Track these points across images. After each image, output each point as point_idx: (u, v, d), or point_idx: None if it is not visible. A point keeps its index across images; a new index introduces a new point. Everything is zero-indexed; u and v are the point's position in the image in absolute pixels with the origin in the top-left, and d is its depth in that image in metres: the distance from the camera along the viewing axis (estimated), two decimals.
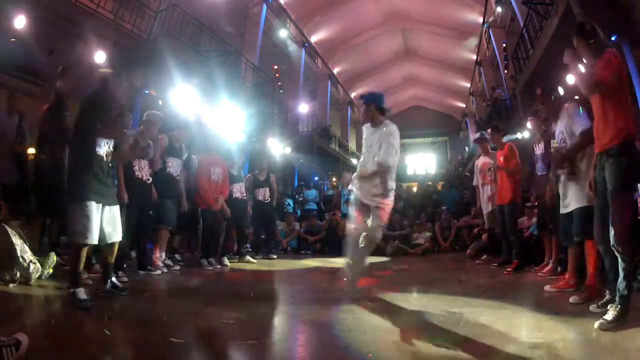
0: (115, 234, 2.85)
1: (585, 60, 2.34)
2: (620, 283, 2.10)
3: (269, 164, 6.78)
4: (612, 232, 2.11)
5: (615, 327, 1.99)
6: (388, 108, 3.20)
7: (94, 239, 2.63)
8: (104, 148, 2.80)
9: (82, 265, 2.67)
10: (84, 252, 2.66)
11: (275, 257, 6.38)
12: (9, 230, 3.07)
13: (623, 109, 2.17)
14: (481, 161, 5.35)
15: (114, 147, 2.92)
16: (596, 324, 2.03)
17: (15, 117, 4.10)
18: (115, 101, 2.90)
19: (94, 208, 2.63)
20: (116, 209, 2.87)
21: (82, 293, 2.53)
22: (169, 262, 4.57)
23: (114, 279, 2.97)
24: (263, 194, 6.32)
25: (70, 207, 2.64)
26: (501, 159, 4.73)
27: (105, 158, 2.80)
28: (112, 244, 2.86)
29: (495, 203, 4.90)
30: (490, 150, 5.25)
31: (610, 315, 2.04)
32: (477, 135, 5.77)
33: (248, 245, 6.29)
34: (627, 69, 2.27)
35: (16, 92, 4.28)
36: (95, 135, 2.73)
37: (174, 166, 4.49)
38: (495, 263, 4.99)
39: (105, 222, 2.77)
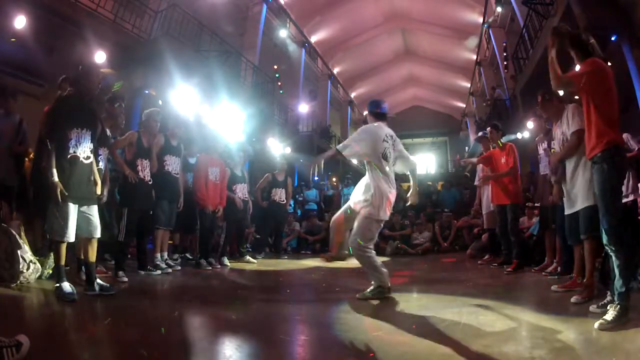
0: (94, 231, 2.90)
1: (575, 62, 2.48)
2: (617, 281, 2.13)
3: (289, 165, 6.78)
4: (602, 233, 2.21)
5: (615, 327, 1.99)
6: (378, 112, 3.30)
7: (70, 237, 2.76)
8: (81, 148, 2.81)
9: (63, 260, 2.80)
10: (63, 249, 2.79)
11: (286, 257, 6.40)
12: (9, 230, 3.08)
13: (606, 117, 2.26)
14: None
15: (101, 139, 2.96)
16: (596, 324, 2.03)
17: (15, 118, 4.09)
18: (88, 93, 2.91)
19: (71, 209, 2.75)
20: (94, 207, 2.94)
21: (67, 287, 2.65)
22: (170, 261, 4.55)
23: (98, 280, 2.95)
24: (279, 195, 6.31)
25: (50, 207, 2.76)
26: (502, 160, 4.71)
27: (82, 158, 2.82)
28: (91, 241, 2.91)
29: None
30: (492, 149, 5.24)
31: (610, 315, 2.05)
32: (480, 133, 5.75)
33: (248, 245, 6.30)
34: (612, 78, 2.33)
35: (15, 93, 4.25)
36: (66, 137, 2.75)
37: (172, 164, 4.43)
38: (495, 263, 5.00)
39: (83, 219, 2.85)
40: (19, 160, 4.13)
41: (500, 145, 4.84)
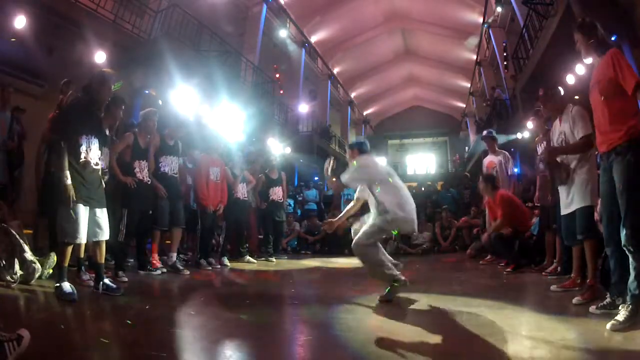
0: (102, 233, 2.95)
1: (586, 56, 2.36)
2: (632, 283, 2.08)
3: (273, 160, 6.69)
4: (623, 232, 2.06)
5: (627, 327, 1.97)
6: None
7: (81, 239, 2.79)
8: (91, 154, 2.86)
9: (67, 262, 2.82)
10: (70, 250, 2.81)
11: (286, 257, 6.39)
12: (9, 230, 3.08)
13: (630, 106, 2.11)
14: (487, 160, 5.32)
15: (103, 143, 2.98)
16: (608, 325, 2.01)
17: (7, 114, 4.05)
18: (98, 101, 2.95)
19: (82, 210, 2.78)
20: (104, 210, 2.98)
21: (67, 287, 2.67)
22: (179, 264, 4.41)
23: (106, 280, 2.97)
24: (277, 194, 6.23)
25: (60, 209, 2.77)
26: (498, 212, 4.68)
27: (91, 162, 2.86)
28: (99, 243, 2.96)
29: None
30: (496, 149, 5.22)
31: (622, 315, 2.03)
32: (484, 132, 5.68)
33: (247, 245, 6.28)
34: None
35: (9, 88, 4.21)
36: (77, 141, 2.79)
37: (169, 165, 4.38)
38: (501, 263, 4.91)
39: (92, 222, 2.88)
40: (10, 157, 4.09)
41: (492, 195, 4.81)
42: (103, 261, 3.03)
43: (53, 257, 3.29)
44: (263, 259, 5.86)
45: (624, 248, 2.09)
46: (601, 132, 2.25)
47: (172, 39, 7.89)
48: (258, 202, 6.21)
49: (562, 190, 2.97)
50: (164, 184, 4.27)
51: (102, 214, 2.96)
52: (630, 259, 2.09)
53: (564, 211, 2.96)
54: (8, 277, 2.94)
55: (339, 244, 6.90)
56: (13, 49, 5.75)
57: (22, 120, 4.59)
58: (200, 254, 4.95)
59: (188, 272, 4.28)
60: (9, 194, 4.11)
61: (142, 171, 3.98)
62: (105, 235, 2.97)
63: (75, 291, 2.68)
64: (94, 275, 3.33)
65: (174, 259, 4.38)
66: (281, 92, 13.60)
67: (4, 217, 3.34)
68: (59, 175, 2.77)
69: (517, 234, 4.60)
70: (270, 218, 6.24)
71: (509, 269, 4.34)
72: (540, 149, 4.16)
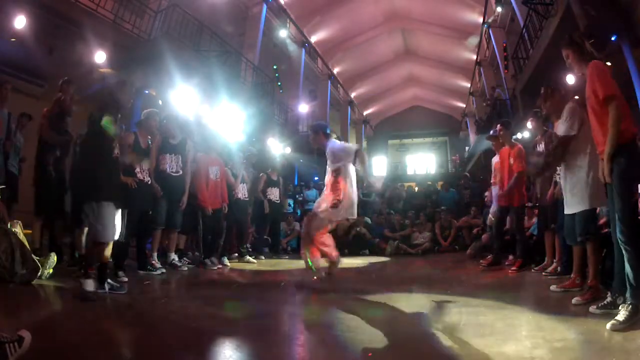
0: (117, 233, 2.97)
1: (579, 70, 2.46)
2: (631, 275, 2.09)
3: (281, 163, 6.83)
4: (618, 227, 2.15)
5: (627, 327, 1.97)
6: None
7: (114, 237, 2.87)
8: (116, 150, 2.94)
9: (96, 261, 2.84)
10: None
11: (286, 257, 6.43)
12: (9, 230, 3.08)
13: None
14: (495, 159, 5.29)
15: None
16: (608, 325, 2.01)
17: (5, 112, 4.04)
18: (121, 106, 3.03)
19: (114, 208, 2.84)
20: (119, 210, 3.00)
21: (89, 285, 2.65)
22: (177, 262, 4.55)
23: (109, 280, 2.99)
24: (275, 194, 6.37)
25: (95, 207, 2.78)
26: (511, 160, 4.63)
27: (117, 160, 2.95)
28: (109, 243, 2.96)
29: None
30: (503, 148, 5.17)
31: (622, 315, 2.03)
32: (491, 132, 5.59)
33: (248, 245, 6.30)
34: (614, 77, 2.30)
35: (6, 84, 4.17)
36: (112, 138, 2.85)
37: (169, 163, 4.39)
38: (498, 265, 4.87)
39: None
40: (6, 157, 4.08)
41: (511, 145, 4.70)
42: (107, 261, 3.02)
43: (53, 257, 3.30)
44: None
45: (619, 242, 2.16)
46: (598, 142, 2.35)
47: (172, 39, 7.89)
48: (263, 201, 6.26)
49: (564, 190, 2.97)
50: (165, 182, 4.29)
51: (119, 215, 2.99)
52: (625, 255, 2.13)
53: (566, 211, 2.96)
54: (8, 277, 2.94)
55: (338, 244, 6.90)
56: (13, 49, 5.75)
57: (25, 126, 4.60)
58: (203, 254, 4.96)
59: (186, 269, 4.49)
60: (10, 194, 4.09)
61: (143, 171, 3.98)
62: (116, 235, 2.97)
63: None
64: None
65: (172, 257, 4.53)
66: (280, 91, 13.60)
67: (4, 217, 3.35)
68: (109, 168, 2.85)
69: (520, 211, 4.55)
70: (268, 217, 6.32)
71: (514, 268, 4.33)
72: (539, 149, 4.15)
